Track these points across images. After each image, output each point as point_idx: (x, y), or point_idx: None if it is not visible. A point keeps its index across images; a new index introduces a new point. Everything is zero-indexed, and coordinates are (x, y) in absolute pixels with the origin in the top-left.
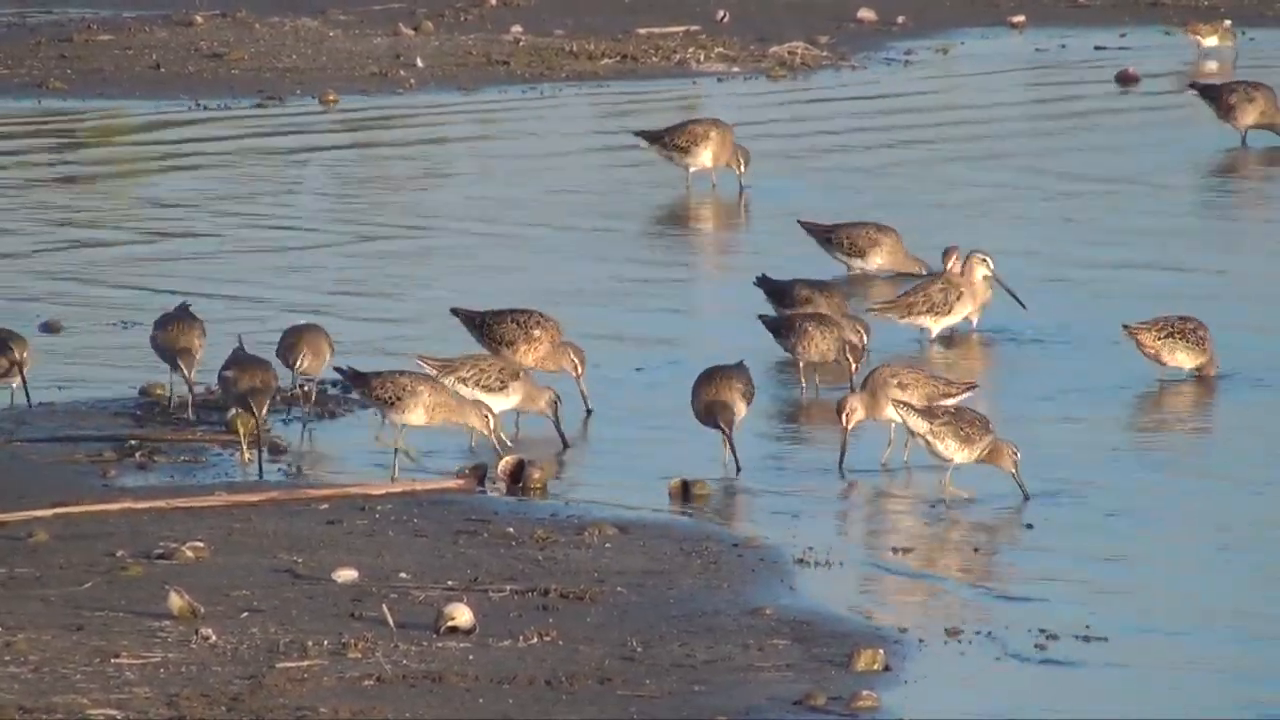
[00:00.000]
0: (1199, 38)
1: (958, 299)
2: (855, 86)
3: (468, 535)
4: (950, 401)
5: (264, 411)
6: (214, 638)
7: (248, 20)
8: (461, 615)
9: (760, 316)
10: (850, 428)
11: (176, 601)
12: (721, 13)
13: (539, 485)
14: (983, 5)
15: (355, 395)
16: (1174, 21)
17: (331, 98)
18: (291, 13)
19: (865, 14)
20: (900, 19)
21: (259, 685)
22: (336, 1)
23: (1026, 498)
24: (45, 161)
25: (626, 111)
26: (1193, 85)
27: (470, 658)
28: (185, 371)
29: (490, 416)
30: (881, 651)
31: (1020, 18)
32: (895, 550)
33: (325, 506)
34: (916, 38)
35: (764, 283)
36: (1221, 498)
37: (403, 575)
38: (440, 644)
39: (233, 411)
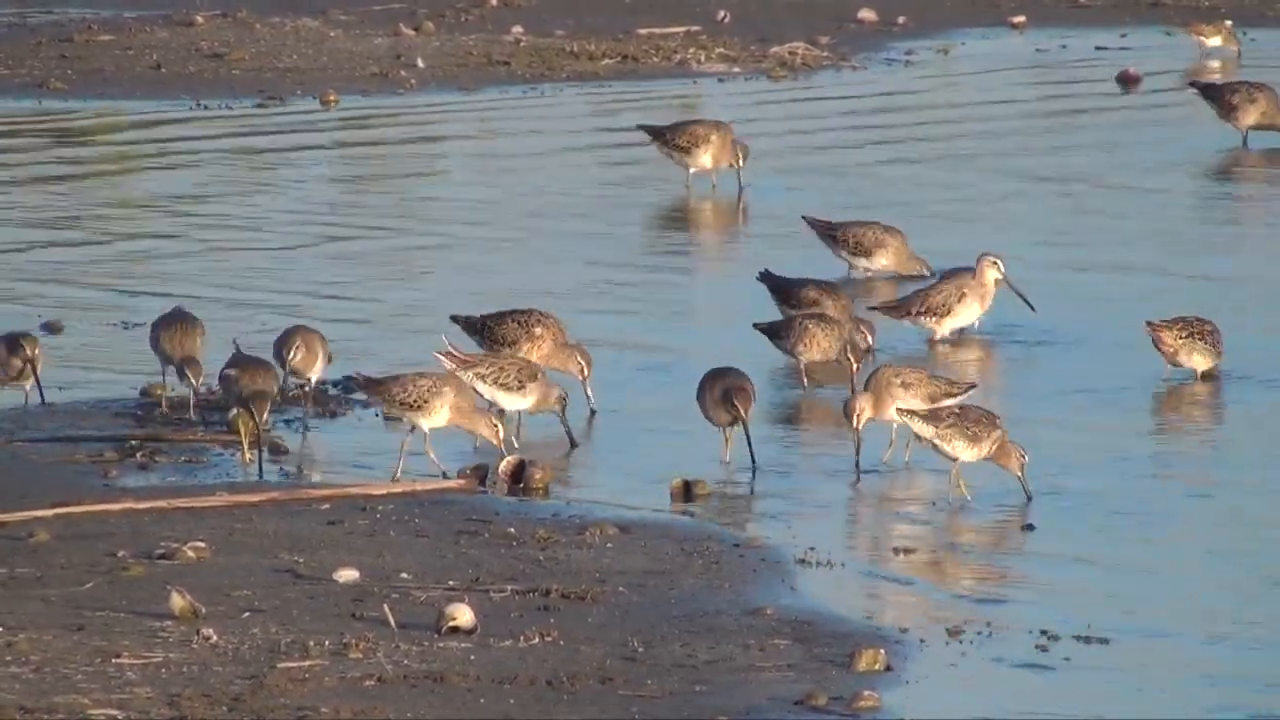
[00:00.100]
0: (1202, 38)
1: (959, 300)
2: (856, 87)
3: (469, 535)
4: (952, 401)
5: (265, 415)
6: (215, 638)
7: (248, 20)
8: (463, 615)
9: (756, 325)
10: (860, 428)
11: (178, 601)
12: (722, 13)
13: (540, 485)
14: (983, 5)
15: (370, 403)
16: (1175, 22)
17: (332, 98)
18: (292, 13)
19: (866, 14)
20: (901, 19)
21: (260, 685)
22: (337, 2)
23: (1029, 499)
24: (46, 161)
25: (627, 112)
26: (1193, 85)
27: (471, 658)
28: (193, 380)
29: (499, 426)
30: (883, 651)
31: (1021, 18)
32: (896, 550)
33: (326, 507)
34: (917, 38)
35: (768, 278)
36: (1224, 500)
37: (404, 575)
38: (441, 644)
39: (234, 412)
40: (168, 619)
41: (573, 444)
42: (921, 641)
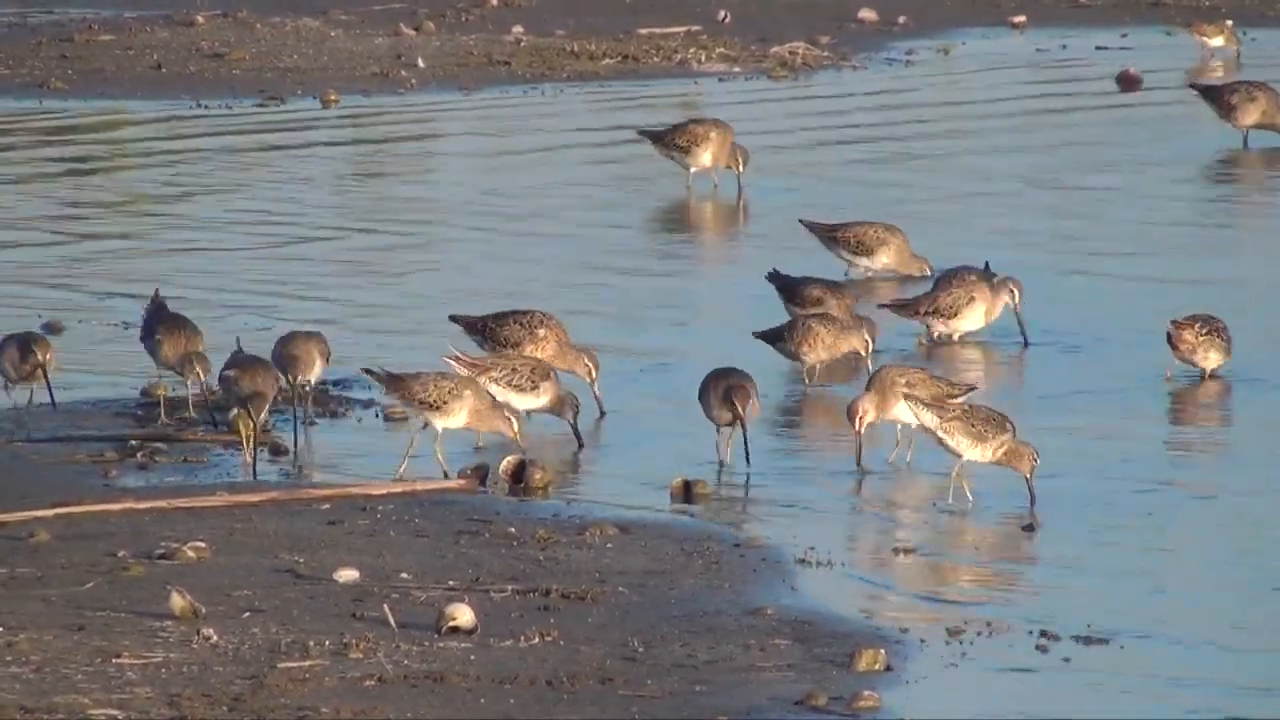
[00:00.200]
0: (1204, 38)
1: (967, 304)
2: (856, 87)
3: (469, 535)
4: (956, 401)
5: (262, 415)
6: (215, 638)
7: (249, 20)
8: (463, 615)
9: (755, 333)
10: (863, 429)
11: (178, 601)
12: (722, 13)
13: (540, 485)
14: (983, 5)
15: (391, 399)
16: (1176, 22)
17: (333, 97)
18: (293, 13)
19: (866, 14)
20: (901, 19)
21: (260, 685)
22: (338, 1)
23: (1032, 500)
24: (46, 161)
25: (628, 112)
26: (1193, 85)
27: (471, 658)
28: (201, 375)
29: (515, 419)
30: (883, 651)
31: (1021, 18)
32: (897, 551)
33: (326, 506)
34: (917, 38)
35: (776, 278)
36: (1225, 501)
37: (404, 575)
38: (441, 644)
39: (234, 412)
40: (168, 619)
41: (580, 444)
42: (921, 641)
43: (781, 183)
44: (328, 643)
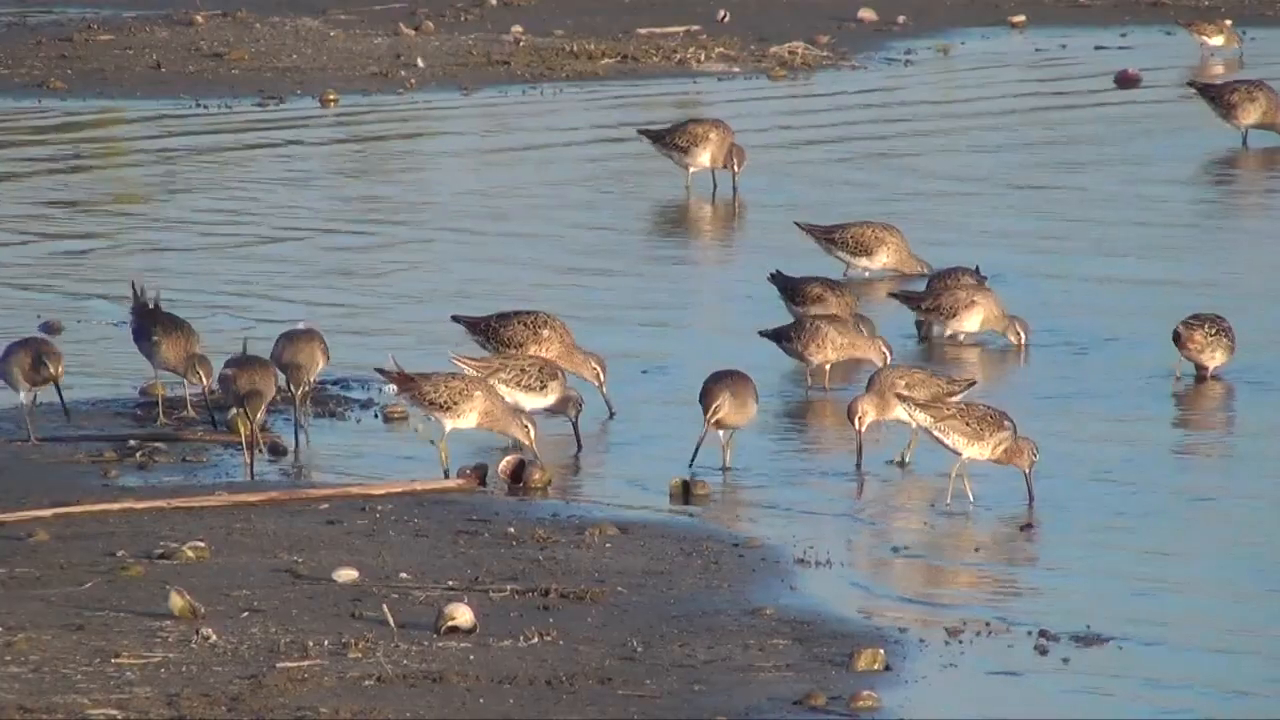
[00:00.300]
0: (1205, 38)
1: (967, 307)
2: (855, 86)
3: (468, 535)
4: (954, 398)
5: (259, 415)
6: (214, 637)
7: (248, 20)
8: (462, 615)
9: (761, 331)
10: (863, 430)
11: (177, 601)
12: (722, 13)
13: (540, 485)
14: (983, 5)
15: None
16: (1176, 21)
17: (332, 97)
18: (292, 12)
19: (865, 14)
20: (900, 19)
21: (259, 685)
22: (337, 1)
23: (1031, 499)
24: (45, 160)
25: (627, 112)
26: (1193, 84)
27: (471, 658)
28: (204, 378)
29: (531, 427)
30: (882, 651)
31: (1020, 18)
32: (896, 550)
33: (326, 506)
34: (917, 38)
35: (778, 279)
36: (1226, 501)
37: (403, 575)
38: (441, 644)
39: (233, 411)
40: (167, 619)
41: (579, 446)
42: (921, 641)
43: (780, 182)
44: (327, 642)
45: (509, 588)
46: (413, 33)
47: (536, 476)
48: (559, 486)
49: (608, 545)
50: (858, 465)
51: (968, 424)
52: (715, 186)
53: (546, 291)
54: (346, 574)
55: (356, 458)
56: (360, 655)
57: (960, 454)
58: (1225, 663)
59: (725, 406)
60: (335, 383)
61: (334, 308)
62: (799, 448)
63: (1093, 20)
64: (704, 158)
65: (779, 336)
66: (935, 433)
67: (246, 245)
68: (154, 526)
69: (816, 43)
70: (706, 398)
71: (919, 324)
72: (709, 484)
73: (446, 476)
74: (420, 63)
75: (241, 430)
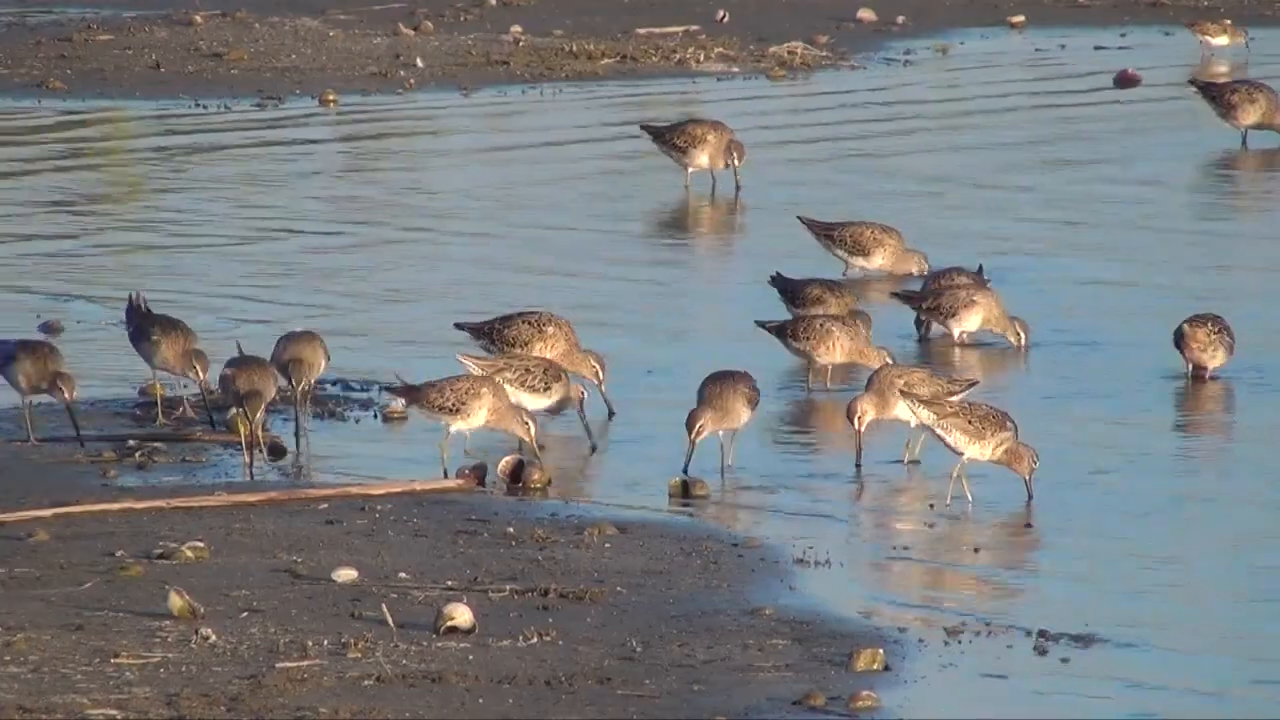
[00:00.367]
0: (1209, 37)
1: (966, 308)
2: (855, 86)
3: (467, 535)
4: (955, 398)
5: (259, 415)
6: (214, 637)
7: (248, 20)
8: (461, 615)
9: (763, 323)
10: (863, 429)
11: (176, 601)
12: (721, 13)
13: (539, 485)
14: (982, 5)
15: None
16: (1175, 21)
17: (331, 97)
18: (291, 12)
19: (865, 14)
20: (900, 19)
21: (259, 685)
22: (336, 1)
23: (1030, 499)
24: (44, 159)
25: (627, 112)
26: (1193, 83)
27: (470, 658)
28: (200, 374)
29: (532, 424)
30: (881, 651)
31: (1020, 18)
32: (895, 550)
33: (325, 506)
34: (916, 38)
35: (778, 281)
36: (1226, 502)
37: (402, 575)
38: (440, 644)
39: (232, 411)
40: (166, 619)
41: (593, 446)
42: (920, 641)
43: (779, 182)
44: (326, 642)
45: (508, 588)
46: (412, 33)
47: (535, 476)
48: (558, 486)
49: (607, 545)
50: (857, 465)
51: (970, 423)
52: (715, 185)
53: (547, 291)
54: (346, 574)
55: (356, 458)
56: (359, 655)
57: (961, 453)
58: (1225, 664)
59: (709, 426)
60: (334, 383)
61: (333, 307)
62: (799, 448)
63: (1092, 20)
64: (702, 159)
65: (782, 332)
66: (937, 431)
67: (247, 245)
68: (153, 526)
69: (815, 43)
70: (690, 419)
71: (918, 323)
72: (709, 484)
73: (446, 476)
74: (419, 63)
75: (241, 430)
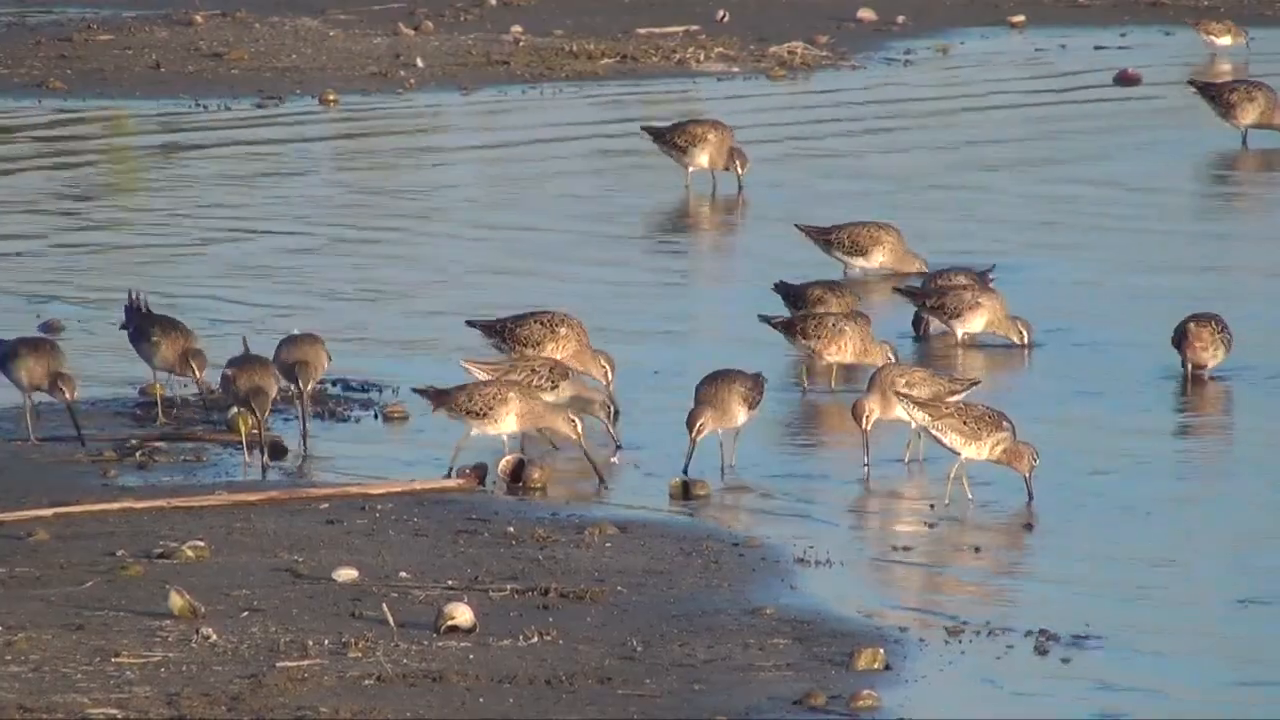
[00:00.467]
0: (1212, 37)
1: (970, 309)
2: (855, 86)
3: (468, 534)
4: (956, 398)
5: (265, 413)
6: (214, 637)
7: (248, 20)
8: (462, 614)
9: (768, 318)
10: (869, 428)
11: (177, 601)
12: (721, 13)
13: (539, 484)
14: (982, 5)
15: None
16: (1175, 21)
17: (331, 97)
18: (291, 12)
19: (865, 14)
20: (900, 19)
21: (259, 684)
22: (336, 1)
23: (1030, 499)
24: (44, 158)
25: (627, 111)
26: (1192, 83)
27: (470, 657)
28: (197, 372)
29: (577, 421)
30: (882, 651)
31: (1020, 18)
32: (896, 550)
33: (325, 506)
34: (916, 37)
35: (781, 287)
36: (1226, 502)
37: (403, 574)
38: (440, 643)
39: (234, 411)
40: (167, 618)
41: (618, 445)
42: (921, 641)
43: (780, 182)
44: (327, 642)
45: (509, 587)
46: (412, 33)
47: (536, 476)
48: (558, 486)
49: (607, 545)
50: (865, 465)
51: (965, 423)
52: (715, 185)
53: (546, 291)
54: (346, 573)
55: (356, 458)
56: (360, 655)
57: (958, 453)
58: (1225, 664)
59: (709, 425)
60: (336, 383)
61: (333, 307)
62: (799, 447)
63: (1092, 20)
64: (702, 158)
65: (790, 329)
66: (933, 431)
67: (247, 244)
68: (154, 526)
69: (816, 43)
70: (690, 419)
71: (916, 321)
72: (709, 484)
73: (448, 476)
74: (420, 63)
75: (244, 429)
